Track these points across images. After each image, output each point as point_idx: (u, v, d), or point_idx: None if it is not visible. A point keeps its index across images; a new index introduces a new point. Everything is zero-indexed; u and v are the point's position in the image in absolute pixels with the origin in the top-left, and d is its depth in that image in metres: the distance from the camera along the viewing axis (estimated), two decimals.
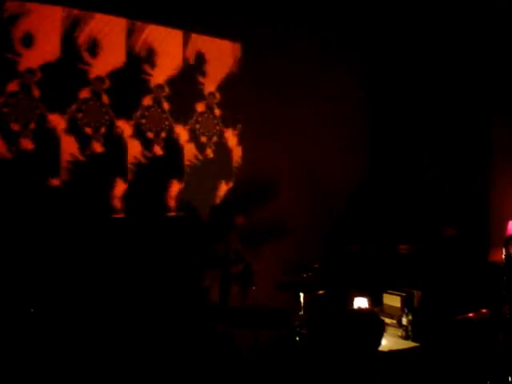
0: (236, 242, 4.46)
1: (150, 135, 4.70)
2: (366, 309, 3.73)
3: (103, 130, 4.42)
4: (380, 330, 3.24)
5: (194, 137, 4.93)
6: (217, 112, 5.07)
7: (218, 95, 5.07)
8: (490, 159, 5.63)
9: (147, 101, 4.67)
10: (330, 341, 3.41)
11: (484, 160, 5.63)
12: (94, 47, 4.37)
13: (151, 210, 4.60)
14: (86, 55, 4.34)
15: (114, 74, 4.48)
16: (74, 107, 4.29)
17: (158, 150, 4.73)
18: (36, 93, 4.12)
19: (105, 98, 4.43)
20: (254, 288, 4.31)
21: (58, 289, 3.99)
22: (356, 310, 3.76)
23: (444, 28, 5.60)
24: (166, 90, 4.76)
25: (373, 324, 3.23)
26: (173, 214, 4.63)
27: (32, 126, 4.11)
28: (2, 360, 3.59)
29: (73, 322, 3.97)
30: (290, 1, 5.37)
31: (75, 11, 4.28)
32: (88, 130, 4.35)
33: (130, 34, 4.56)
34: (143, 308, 4.29)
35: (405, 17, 5.74)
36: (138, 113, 4.62)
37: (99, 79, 4.41)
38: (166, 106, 4.77)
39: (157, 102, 4.73)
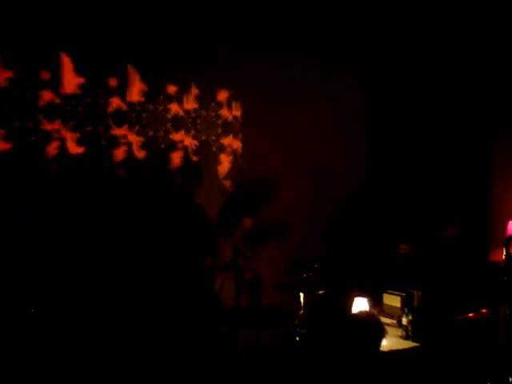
0: (241, 245, 4.46)
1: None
2: (367, 312, 3.71)
3: None
4: (379, 335, 3.22)
5: (195, 138, 4.96)
6: (218, 114, 5.09)
7: (219, 96, 5.10)
8: (490, 159, 5.63)
9: None
10: (330, 342, 3.41)
11: (484, 160, 5.64)
12: None
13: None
14: None
15: None
16: None
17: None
18: None
19: None
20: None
21: (59, 289, 4.00)
22: (357, 313, 3.73)
23: (446, 26, 5.60)
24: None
25: (372, 328, 3.21)
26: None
27: None
28: (2, 360, 3.59)
29: (74, 321, 3.98)
30: (290, 2, 5.37)
31: None
32: None
33: None
34: (149, 308, 4.30)
35: (406, 19, 5.73)
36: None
37: None
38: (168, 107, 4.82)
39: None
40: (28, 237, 3.99)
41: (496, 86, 5.50)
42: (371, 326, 3.19)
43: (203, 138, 4.99)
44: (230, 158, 5.17)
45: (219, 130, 5.09)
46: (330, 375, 3.27)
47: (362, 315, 3.44)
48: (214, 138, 5.06)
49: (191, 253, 4.30)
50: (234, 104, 5.19)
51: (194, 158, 4.94)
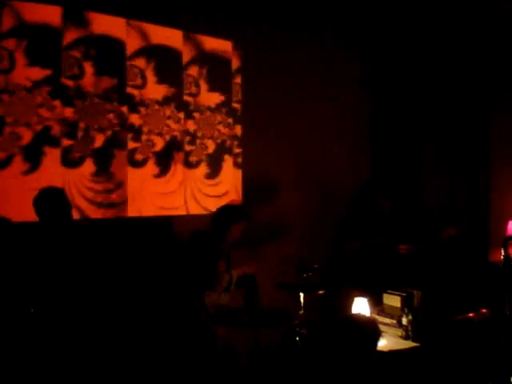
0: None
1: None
2: (364, 316, 3.68)
3: None
4: (373, 339, 3.21)
5: (193, 138, 4.95)
6: (218, 113, 5.08)
7: (218, 95, 5.09)
8: (490, 159, 5.64)
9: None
10: (328, 342, 3.40)
11: (484, 160, 5.64)
12: None
13: None
14: None
15: None
16: None
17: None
18: None
19: None
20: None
21: (59, 289, 3.99)
22: (354, 315, 3.71)
23: (445, 27, 5.60)
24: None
25: (365, 332, 3.20)
26: None
27: None
28: (2, 360, 3.59)
29: (74, 322, 3.97)
30: (291, 1, 5.37)
31: None
32: None
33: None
34: (150, 310, 4.31)
35: (406, 17, 5.74)
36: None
37: None
38: (166, 106, 4.79)
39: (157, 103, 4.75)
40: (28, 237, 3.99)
41: (494, 85, 5.51)
42: (365, 325, 3.18)
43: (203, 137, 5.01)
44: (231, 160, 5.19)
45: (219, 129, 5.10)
46: (329, 375, 3.27)
47: (357, 315, 3.43)
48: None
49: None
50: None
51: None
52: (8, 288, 3.75)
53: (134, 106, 4.60)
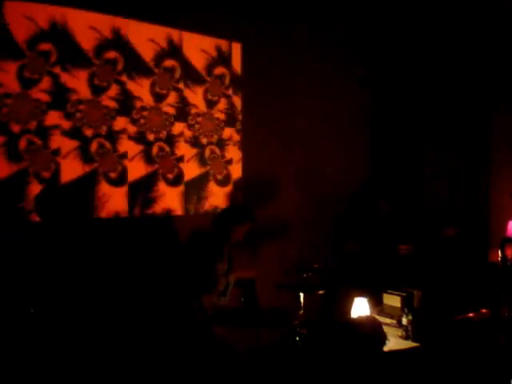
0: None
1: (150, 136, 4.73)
2: (368, 318, 3.67)
3: None
4: (379, 342, 3.20)
5: (193, 138, 4.95)
6: (218, 113, 5.08)
7: (218, 95, 5.09)
8: (490, 159, 5.64)
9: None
10: (330, 346, 3.41)
11: (484, 160, 5.64)
12: None
13: None
14: None
15: None
16: None
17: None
18: None
19: None
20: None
21: (59, 289, 4.00)
22: (358, 318, 3.69)
23: (445, 27, 5.60)
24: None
25: (372, 336, 3.19)
26: None
27: None
28: (2, 360, 3.59)
29: (73, 322, 3.98)
30: (291, 0, 5.37)
31: None
32: None
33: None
34: (149, 310, 4.31)
35: (406, 17, 5.74)
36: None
37: None
38: (166, 106, 4.80)
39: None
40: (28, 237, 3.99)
41: (495, 85, 5.51)
42: (371, 334, 3.17)
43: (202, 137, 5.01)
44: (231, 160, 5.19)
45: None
46: (329, 376, 3.27)
47: (362, 321, 3.41)
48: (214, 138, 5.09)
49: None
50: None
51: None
52: (8, 288, 3.75)
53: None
